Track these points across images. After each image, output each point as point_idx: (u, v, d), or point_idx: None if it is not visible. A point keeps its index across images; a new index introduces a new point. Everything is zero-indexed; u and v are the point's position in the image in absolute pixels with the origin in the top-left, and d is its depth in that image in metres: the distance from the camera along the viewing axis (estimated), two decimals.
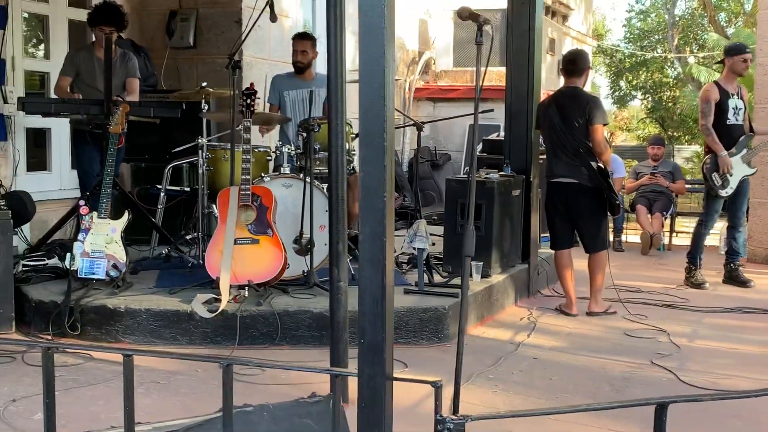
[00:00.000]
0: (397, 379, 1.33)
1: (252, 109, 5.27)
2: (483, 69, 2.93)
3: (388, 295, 1.26)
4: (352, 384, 2.28)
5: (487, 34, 2.98)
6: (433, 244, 5.89)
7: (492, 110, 6.62)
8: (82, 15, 6.96)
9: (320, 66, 6.72)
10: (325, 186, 5.55)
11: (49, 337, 4.75)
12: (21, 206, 5.46)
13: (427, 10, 12.49)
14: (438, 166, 11.44)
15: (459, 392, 2.82)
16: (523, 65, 6.48)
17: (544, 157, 6.37)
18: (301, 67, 6.50)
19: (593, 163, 5.63)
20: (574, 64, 5.86)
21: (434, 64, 12.70)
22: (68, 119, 6.24)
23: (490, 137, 9.40)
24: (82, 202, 5.21)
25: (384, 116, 1.24)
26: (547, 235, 6.34)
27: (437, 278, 5.63)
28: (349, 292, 3.67)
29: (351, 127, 5.93)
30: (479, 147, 9.17)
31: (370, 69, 1.24)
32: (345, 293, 3.61)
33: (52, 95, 6.90)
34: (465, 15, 2.98)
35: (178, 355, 1.36)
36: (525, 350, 4.93)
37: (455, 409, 2.78)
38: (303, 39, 6.56)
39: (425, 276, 5.40)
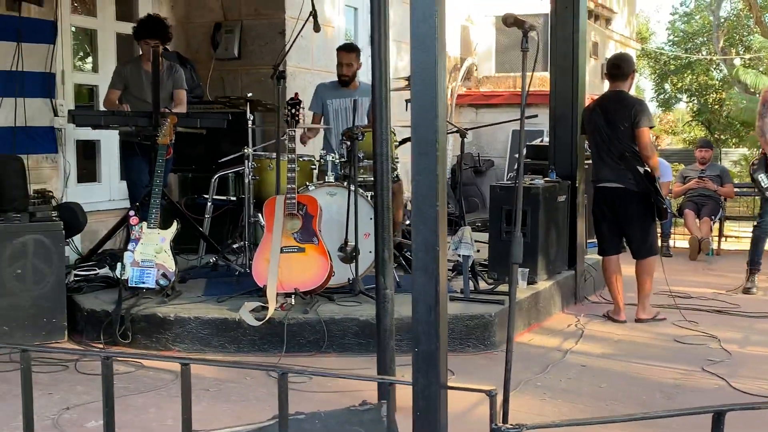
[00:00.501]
0: (451, 387, 1.33)
1: (297, 118, 5.32)
2: (528, 75, 2.92)
3: (442, 303, 1.26)
4: (400, 391, 2.29)
5: (533, 40, 2.97)
6: (478, 250, 5.87)
7: (536, 115, 6.56)
8: (129, 28, 7.09)
9: (362, 74, 6.76)
10: (369, 194, 5.58)
11: (101, 346, 4.84)
12: (73, 217, 5.57)
13: (468, 16, 12.48)
14: (481, 172, 11.40)
15: (508, 400, 2.80)
16: (567, 69, 6.44)
17: (590, 161, 6.32)
18: (346, 80, 6.52)
19: (640, 168, 5.57)
20: (618, 69, 5.80)
21: (476, 70, 12.68)
22: (117, 131, 6.35)
23: (534, 143, 9.35)
24: (132, 213, 5.31)
25: (435, 126, 1.25)
26: (594, 240, 6.27)
27: (483, 285, 5.61)
28: (395, 299, 3.69)
29: (395, 135, 5.96)
30: (523, 152, 9.12)
31: (422, 79, 1.24)
32: (391, 301, 3.62)
33: (101, 108, 7.04)
34: (510, 22, 2.97)
35: (233, 364, 1.37)
36: (573, 357, 4.89)
37: (505, 417, 2.76)
38: (349, 51, 6.54)
39: (471, 283, 5.38)
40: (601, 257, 6.00)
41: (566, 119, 6.45)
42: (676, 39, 31.00)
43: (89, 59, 8.09)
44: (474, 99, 12.23)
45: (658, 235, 8.48)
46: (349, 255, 5.32)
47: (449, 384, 1.31)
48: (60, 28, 6.63)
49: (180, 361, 1.45)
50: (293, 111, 5.32)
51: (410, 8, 1.23)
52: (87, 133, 6.84)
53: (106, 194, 7.28)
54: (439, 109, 1.25)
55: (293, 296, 4.96)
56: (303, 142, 6.62)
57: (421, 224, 1.25)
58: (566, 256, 6.32)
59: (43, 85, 6.47)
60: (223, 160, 6.45)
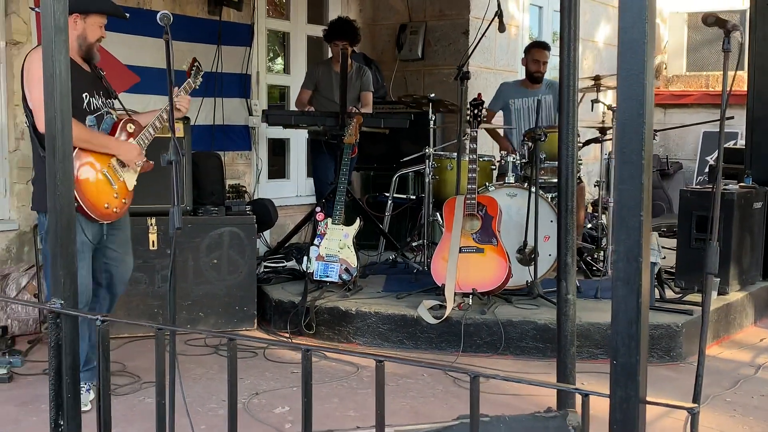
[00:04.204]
0: (651, 402, 1.29)
1: (479, 119, 5.32)
2: (730, 76, 2.77)
3: (643, 316, 1.23)
4: (580, 399, 2.25)
5: (735, 41, 2.82)
6: (664, 257, 5.64)
7: (732, 117, 6.20)
8: (319, 31, 7.36)
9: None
10: (549, 196, 5.50)
11: (287, 335, 5.06)
12: (265, 213, 5.87)
13: (659, 12, 11.99)
14: (668, 175, 10.93)
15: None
16: (766, 69, 6.05)
17: None
18: (539, 77, 6.48)
19: None
20: None
21: (665, 68, 12.16)
22: (306, 130, 6.62)
23: (727, 145, 8.85)
24: (318, 209, 5.52)
25: (643, 133, 1.22)
26: None
27: (669, 293, 5.38)
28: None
29: (578, 136, 5.83)
30: (716, 155, 8.66)
31: (630, 85, 1.22)
32: (573, 307, 3.54)
33: (292, 107, 7.37)
34: (711, 21, 2.84)
35: (427, 364, 1.39)
36: (766, 374, 4.60)
37: None
38: (544, 49, 6.54)
39: (656, 291, 5.18)
40: None
41: (765, 121, 6.07)
42: None
43: (278, 60, 8.47)
44: (662, 98, 11.72)
45: None
46: (528, 257, 5.27)
47: (650, 399, 1.28)
48: (256, 31, 6.99)
49: (375, 358, 1.50)
50: (475, 111, 5.33)
51: (619, 12, 1.21)
52: (278, 132, 7.17)
53: (294, 190, 7.61)
54: (647, 116, 1.22)
55: (471, 296, 4.98)
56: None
57: (623, 234, 1.23)
58: (761, 266, 5.95)
59: (240, 85, 6.85)
60: (404, 159, 6.56)
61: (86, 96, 3.88)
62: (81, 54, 3.92)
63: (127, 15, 4.12)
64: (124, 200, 3.94)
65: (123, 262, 4.12)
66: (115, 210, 3.90)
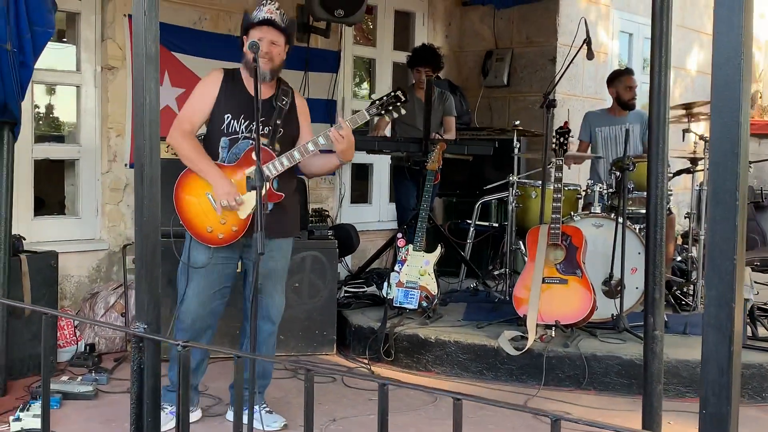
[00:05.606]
0: None
1: (565, 147, 5.23)
2: None
3: (735, 364, 1.17)
4: None
5: None
6: (757, 293, 5.42)
7: None
8: (405, 57, 7.40)
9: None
10: (637, 227, 5.36)
11: (366, 361, 5.05)
12: (347, 237, 5.91)
13: (755, 39, 11.63)
14: (762, 207, 10.52)
15: None
16: None
17: None
18: (634, 104, 6.37)
19: None
20: None
21: (761, 97, 11.76)
22: (389, 155, 6.64)
23: None
24: (399, 235, 5.51)
25: (737, 173, 1.17)
26: None
27: (762, 331, 5.16)
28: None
29: (668, 166, 5.68)
30: None
31: (723, 123, 1.17)
32: (660, 343, 3.43)
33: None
34: None
35: (505, 404, 1.35)
36: None
37: None
38: (633, 75, 6.48)
39: (748, 329, 4.97)
40: None
41: None
42: None
43: (364, 85, 8.55)
44: (757, 128, 11.29)
45: None
46: (614, 289, 5.13)
47: None
48: (343, 57, 7.07)
49: (452, 396, 1.47)
50: (561, 140, 5.24)
51: (713, 48, 1.17)
52: (361, 157, 7.21)
53: (376, 215, 7.63)
54: (742, 156, 1.17)
55: (554, 328, 4.87)
56: (567, 164, 6.51)
57: (715, 277, 1.17)
58: None
59: (326, 111, 6.92)
60: (487, 186, 6.51)
61: (228, 117, 3.75)
62: (249, 74, 3.69)
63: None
64: (234, 228, 3.71)
65: (268, 297, 3.94)
66: (220, 236, 3.71)
